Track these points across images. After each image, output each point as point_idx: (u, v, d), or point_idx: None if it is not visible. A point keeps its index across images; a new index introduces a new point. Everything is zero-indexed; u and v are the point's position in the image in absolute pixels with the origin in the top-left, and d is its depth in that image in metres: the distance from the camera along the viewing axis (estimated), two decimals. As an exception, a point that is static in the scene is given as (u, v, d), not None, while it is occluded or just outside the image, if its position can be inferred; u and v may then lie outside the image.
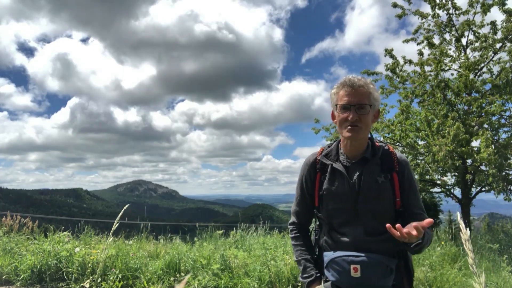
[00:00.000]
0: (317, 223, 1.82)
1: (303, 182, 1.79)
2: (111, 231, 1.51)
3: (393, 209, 1.64)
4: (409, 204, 1.65)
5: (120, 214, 1.45)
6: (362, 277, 1.50)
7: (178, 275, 4.66)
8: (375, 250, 1.58)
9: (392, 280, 1.56)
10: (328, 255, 1.62)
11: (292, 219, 1.88)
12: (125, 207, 1.60)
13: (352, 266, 1.52)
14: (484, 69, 8.97)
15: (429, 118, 8.39)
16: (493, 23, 8.61)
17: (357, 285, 1.53)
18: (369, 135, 1.70)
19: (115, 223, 1.43)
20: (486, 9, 8.58)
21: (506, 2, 8.42)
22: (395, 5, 9.73)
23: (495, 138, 8.62)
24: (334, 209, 1.67)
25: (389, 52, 9.65)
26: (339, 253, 1.59)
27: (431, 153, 8.03)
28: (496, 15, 8.69)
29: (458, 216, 0.93)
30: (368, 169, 1.64)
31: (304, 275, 1.73)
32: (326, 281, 1.64)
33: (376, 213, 1.62)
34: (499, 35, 8.51)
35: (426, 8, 9.59)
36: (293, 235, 1.86)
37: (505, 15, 8.41)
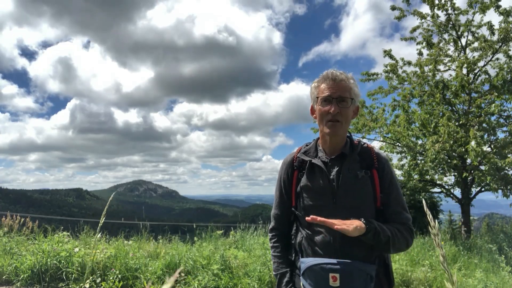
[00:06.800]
0: (295, 226, 1.74)
1: (281, 183, 1.75)
2: (99, 225, 1.48)
3: (374, 206, 1.59)
4: (389, 201, 1.60)
5: (108, 203, 1.43)
6: (341, 287, 1.43)
7: (178, 276, 4.66)
8: (354, 253, 1.50)
9: None
10: (305, 262, 1.53)
11: (272, 224, 1.81)
12: (111, 196, 1.58)
13: (330, 275, 1.44)
14: (483, 69, 8.98)
15: (423, 118, 8.43)
16: (489, 24, 8.62)
17: None
18: (348, 133, 1.68)
19: (102, 216, 1.41)
20: (485, 8, 8.58)
21: (500, 4, 8.44)
22: (393, 8, 9.79)
23: (493, 138, 8.63)
24: (312, 206, 1.61)
25: (388, 53, 9.67)
26: (317, 260, 1.50)
27: (427, 151, 8.05)
28: (493, 16, 8.69)
29: (424, 205, 0.87)
30: (347, 164, 1.60)
31: None
32: None
33: (355, 209, 1.55)
34: (496, 36, 8.52)
35: (425, 9, 9.60)
36: (272, 244, 1.79)
37: (502, 16, 8.41)
